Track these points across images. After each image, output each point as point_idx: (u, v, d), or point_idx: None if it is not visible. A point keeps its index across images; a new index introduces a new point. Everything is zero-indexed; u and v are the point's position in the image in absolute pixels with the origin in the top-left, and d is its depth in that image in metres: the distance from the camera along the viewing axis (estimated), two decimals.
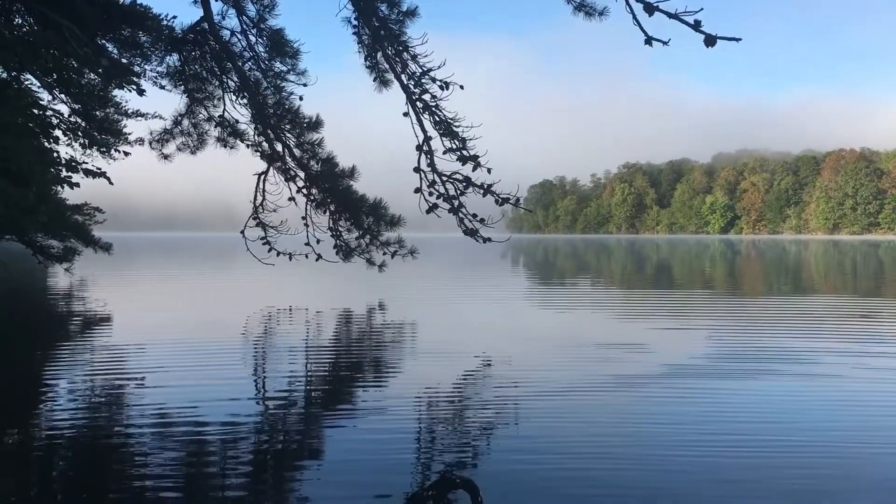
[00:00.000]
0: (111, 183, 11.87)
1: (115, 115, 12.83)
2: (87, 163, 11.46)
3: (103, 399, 7.73)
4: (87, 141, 11.35)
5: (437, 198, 7.29)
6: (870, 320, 15.08)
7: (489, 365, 9.80)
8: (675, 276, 32.68)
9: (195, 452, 5.77)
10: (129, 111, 12.69)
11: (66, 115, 11.25)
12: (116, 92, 12.26)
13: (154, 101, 11.75)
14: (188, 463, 5.53)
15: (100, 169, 11.59)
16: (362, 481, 5.15)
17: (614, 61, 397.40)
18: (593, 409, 7.48)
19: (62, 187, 15.22)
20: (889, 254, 57.81)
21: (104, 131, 12.59)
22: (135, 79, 11.07)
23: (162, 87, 10.53)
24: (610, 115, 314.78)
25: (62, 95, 10.83)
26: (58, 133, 11.35)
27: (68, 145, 11.71)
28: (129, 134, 12.85)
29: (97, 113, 12.32)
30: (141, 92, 10.67)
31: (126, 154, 11.66)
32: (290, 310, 16.59)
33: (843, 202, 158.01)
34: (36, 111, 10.55)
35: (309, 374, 9.40)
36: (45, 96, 11.95)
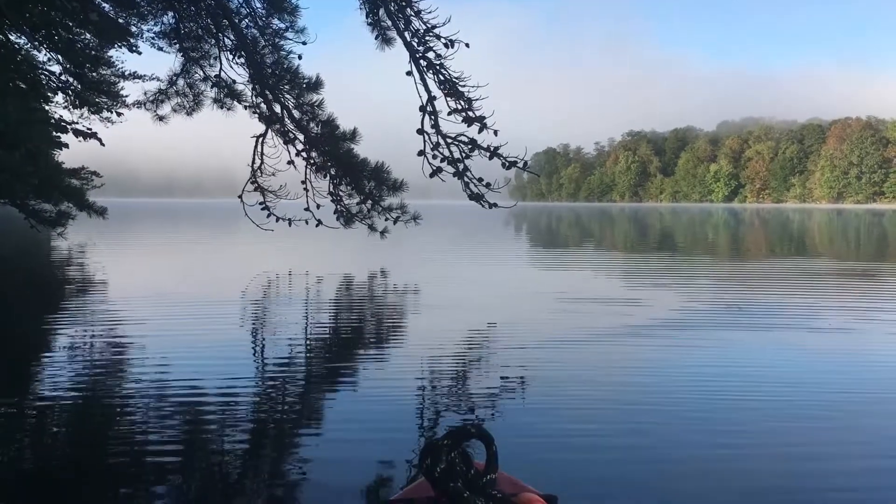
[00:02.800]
0: (102, 144, 11.53)
1: (112, 77, 12.46)
2: (77, 123, 11.09)
3: (101, 364, 7.61)
4: (78, 101, 10.97)
5: (442, 161, 6.98)
6: (867, 283, 14.88)
7: (493, 326, 9.76)
8: (676, 242, 32.54)
9: (194, 417, 5.67)
10: (126, 73, 12.32)
11: (56, 74, 10.87)
12: (112, 52, 11.90)
13: (152, 63, 11.41)
14: (187, 428, 5.43)
15: (90, 129, 11.23)
16: (364, 444, 5.05)
17: (618, 29, 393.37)
18: (595, 360, 7.80)
19: (59, 150, 14.90)
20: (894, 223, 57.44)
21: (100, 92, 12.23)
22: (130, 39, 10.73)
23: (160, 49, 10.21)
24: (614, 84, 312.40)
25: (53, 54, 10.47)
26: (48, 93, 10.96)
27: (63, 107, 11.37)
28: (126, 96, 12.49)
29: (91, 74, 11.95)
30: (132, 48, 10.29)
31: (118, 115, 11.28)
32: (290, 275, 16.40)
33: (848, 171, 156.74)
34: (25, 70, 10.17)
35: (309, 338, 9.28)
36: (39, 56, 11.61)
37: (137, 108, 10.45)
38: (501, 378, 6.97)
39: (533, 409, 5.93)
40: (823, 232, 43.95)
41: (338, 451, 4.96)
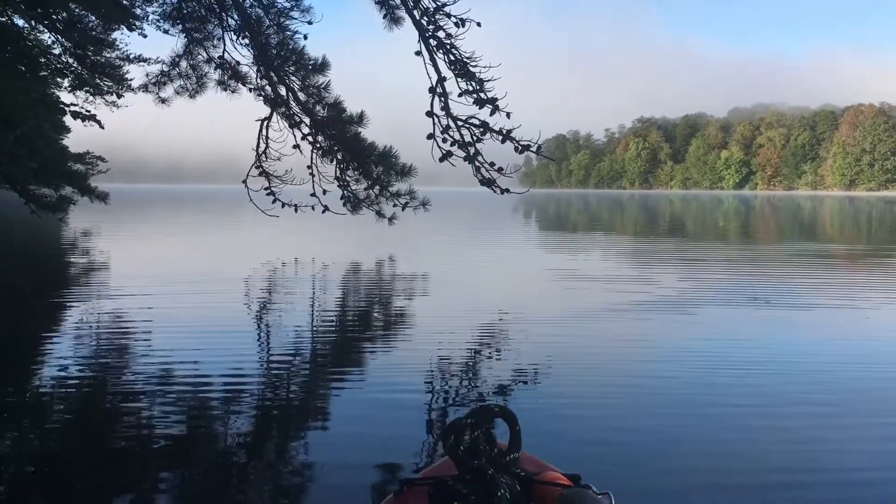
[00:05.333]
0: (101, 126, 11.29)
1: (116, 60, 12.23)
2: (75, 105, 10.85)
3: (105, 351, 7.45)
4: (78, 83, 10.73)
5: (452, 144, 6.69)
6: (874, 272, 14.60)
7: (504, 314, 9.60)
8: (687, 229, 32.27)
9: (200, 405, 5.54)
10: (131, 56, 12.08)
11: (56, 55, 10.62)
12: (116, 35, 11.67)
13: (158, 47, 11.16)
14: (193, 415, 5.30)
15: (89, 111, 10.98)
16: (372, 436, 4.88)
17: (625, 12, 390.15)
18: (609, 342, 8.08)
19: (63, 134, 14.69)
20: None
21: (104, 76, 12.00)
22: (135, 21, 10.49)
23: (165, 32, 9.98)
24: (625, 70, 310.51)
25: (53, 35, 10.23)
26: (47, 75, 10.72)
27: (64, 89, 11.14)
28: (132, 80, 12.25)
29: (95, 57, 11.72)
30: (132, 27, 10.02)
31: (119, 97, 11.03)
32: (296, 262, 16.20)
33: (861, 158, 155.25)
34: (23, 49, 9.93)
35: (316, 325, 9.09)
36: (40, 38, 11.38)
37: (143, 91, 10.23)
38: (515, 362, 6.94)
39: (548, 392, 5.95)
40: (835, 219, 43.52)
41: (345, 439, 4.84)
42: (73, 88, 10.93)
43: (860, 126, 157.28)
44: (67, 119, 11.48)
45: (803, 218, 44.98)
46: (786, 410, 5.42)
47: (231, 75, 9.00)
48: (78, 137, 15.30)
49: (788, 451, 4.64)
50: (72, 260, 16.99)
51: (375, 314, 9.93)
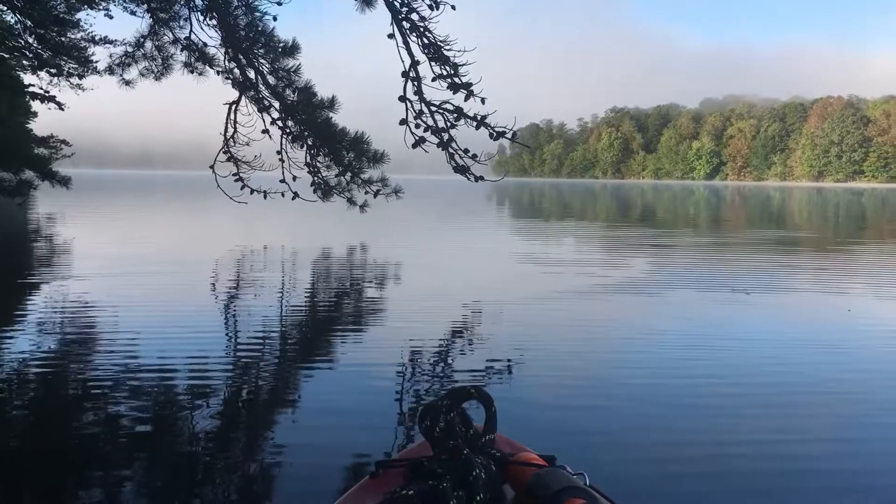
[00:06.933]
0: (61, 108, 10.95)
1: (81, 42, 11.86)
2: (34, 85, 10.48)
3: (68, 340, 7.19)
4: (38, 63, 10.36)
5: (425, 130, 6.52)
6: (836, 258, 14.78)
7: (477, 300, 9.55)
8: (656, 218, 32.52)
9: (165, 397, 5.36)
10: (97, 37, 11.73)
11: (16, 34, 10.24)
12: (80, 15, 11.30)
13: (125, 29, 10.84)
14: (157, 408, 5.10)
15: (48, 92, 10.63)
16: (345, 421, 4.81)
17: (602, 3, 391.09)
18: (580, 320, 8.41)
19: (26, 118, 14.27)
20: (870, 202, 58.10)
21: (69, 57, 11.63)
22: (100, 2, 10.17)
23: (132, 13, 9.69)
24: (598, 60, 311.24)
25: (13, 14, 9.85)
26: (4, 54, 10.33)
27: (24, 70, 10.75)
28: (97, 62, 11.90)
29: (59, 38, 11.35)
30: (93, 5, 9.68)
31: (80, 77, 10.69)
32: (265, 249, 15.95)
33: (829, 150, 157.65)
34: None
35: (284, 314, 8.91)
36: (6, 18, 10.98)
37: (108, 74, 9.91)
38: (489, 346, 6.99)
39: (523, 375, 6.00)
40: (803, 209, 44.16)
41: (318, 424, 4.78)
42: (34, 69, 10.56)
43: (828, 118, 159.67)
44: (36, 104, 11.10)
45: (772, 208, 45.60)
46: (762, 392, 5.56)
47: (198, 57, 8.72)
48: (45, 122, 14.91)
49: (746, 426, 4.86)
50: (34, 244, 16.55)
51: (347, 301, 9.80)
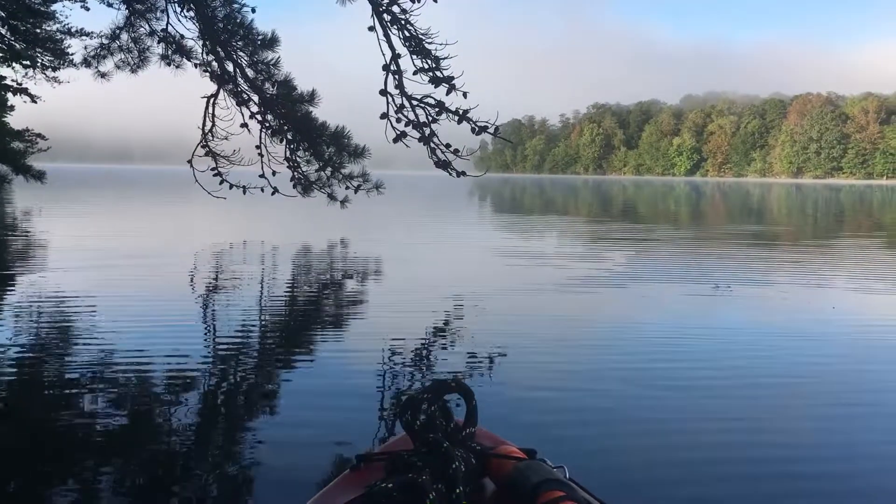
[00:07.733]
0: (34, 101, 10.75)
1: (57, 34, 11.65)
2: (6, 78, 10.28)
3: (44, 336, 7.00)
4: (9, 55, 10.15)
5: (406, 125, 6.45)
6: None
7: (459, 295, 9.52)
8: (637, 214, 32.70)
9: (142, 394, 5.23)
10: (73, 29, 11.52)
11: None
12: (56, 6, 11.10)
13: (102, 21, 10.68)
14: (134, 406, 4.98)
15: (20, 84, 10.42)
16: (326, 416, 4.76)
17: None
18: (561, 314, 8.45)
19: (7, 112, 14.01)
20: (848, 197, 58.87)
21: (44, 49, 11.43)
22: None
23: (109, 5, 9.50)
24: (580, 55, 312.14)
25: None
26: None
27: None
28: (73, 55, 11.68)
29: (35, 29, 11.14)
30: None
31: (54, 70, 10.50)
32: (245, 244, 15.80)
33: (808, 146, 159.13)
34: None
35: (264, 310, 8.80)
36: None
37: (84, 66, 9.73)
38: (470, 340, 6.98)
39: (504, 370, 5.97)
40: (782, 205, 44.59)
41: (299, 419, 4.72)
42: (7, 61, 10.35)
43: (808, 115, 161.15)
44: (14, 98, 10.87)
45: (752, 204, 45.99)
46: (734, 384, 5.61)
47: (175, 49, 8.57)
48: (22, 115, 14.64)
49: (725, 415, 4.90)
50: (10, 238, 16.27)
51: (327, 296, 9.72)
